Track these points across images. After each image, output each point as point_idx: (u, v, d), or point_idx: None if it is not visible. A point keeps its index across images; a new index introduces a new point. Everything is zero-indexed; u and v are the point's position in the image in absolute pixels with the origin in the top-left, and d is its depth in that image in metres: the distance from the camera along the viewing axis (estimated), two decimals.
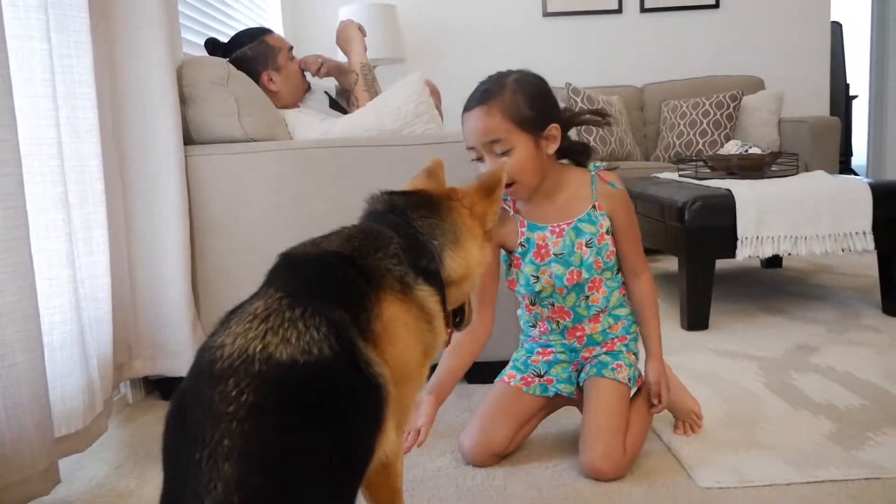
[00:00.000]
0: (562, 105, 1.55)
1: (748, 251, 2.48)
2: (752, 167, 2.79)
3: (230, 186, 2.03)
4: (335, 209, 2.03)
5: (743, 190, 2.51)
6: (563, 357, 1.65)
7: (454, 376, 1.59)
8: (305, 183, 2.03)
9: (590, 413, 1.55)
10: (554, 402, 1.68)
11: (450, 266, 1.11)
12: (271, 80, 2.31)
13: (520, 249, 1.58)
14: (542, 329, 1.67)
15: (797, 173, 2.87)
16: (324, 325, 0.88)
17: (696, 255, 2.52)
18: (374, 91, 2.40)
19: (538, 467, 1.57)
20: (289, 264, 1.00)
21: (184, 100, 2.01)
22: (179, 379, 2.01)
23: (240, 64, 2.19)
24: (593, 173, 1.56)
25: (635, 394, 1.61)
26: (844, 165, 6.52)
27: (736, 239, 2.48)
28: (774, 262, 3.61)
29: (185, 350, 1.95)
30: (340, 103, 2.56)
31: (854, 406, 1.80)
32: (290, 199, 2.03)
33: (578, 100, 4.34)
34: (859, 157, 6.68)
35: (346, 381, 0.88)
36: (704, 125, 4.40)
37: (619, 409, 1.54)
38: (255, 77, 2.24)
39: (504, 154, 1.44)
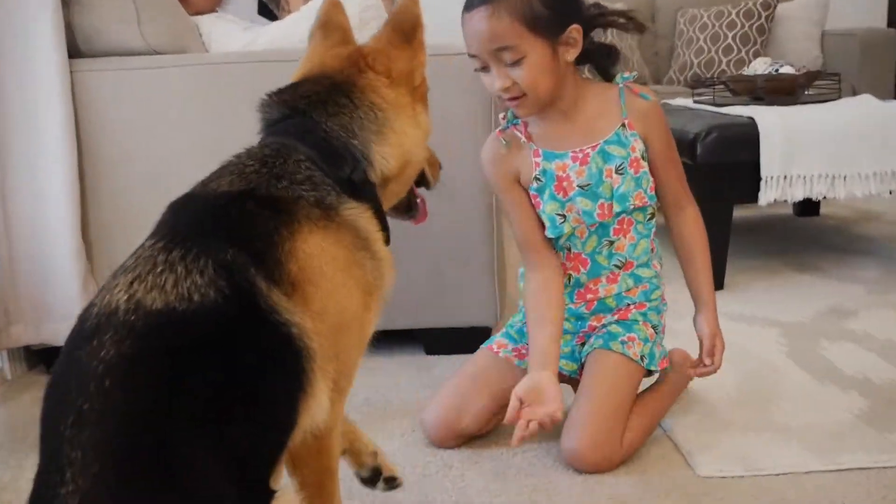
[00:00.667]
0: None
1: (774, 194, 2.47)
2: (783, 90, 2.77)
3: (129, 110, 1.98)
4: (257, 137, 1.98)
5: (769, 118, 2.50)
6: (566, 326, 1.64)
7: (555, 341, 1.53)
8: (223, 105, 1.98)
9: (584, 389, 1.55)
10: None
11: (381, 163, 1.09)
12: None
13: (535, 185, 1.55)
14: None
15: (839, 98, 2.86)
16: (210, 268, 0.88)
17: (710, 199, 2.48)
18: None
19: (506, 453, 1.57)
20: (171, 210, 0.98)
21: (67, 2, 1.93)
22: None
23: None
24: (621, 85, 1.53)
25: (656, 380, 1.62)
26: None
27: (759, 179, 2.47)
28: (810, 208, 3.61)
29: (75, 312, 1.91)
30: (271, 8, 2.49)
31: (892, 380, 1.82)
32: (205, 124, 1.98)
33: None
34: None
35: (241, 330, 0.88)
36: (729, 40, 4.36)
37: (621, 390, 1.54)
38: None
39: (515, 64, 1.41)
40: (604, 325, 1.62)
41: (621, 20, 1.54)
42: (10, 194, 1.88)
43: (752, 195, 2.50)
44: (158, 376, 0.83)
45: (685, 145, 2.54)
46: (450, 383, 1.66)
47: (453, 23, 3.00)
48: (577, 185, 1.52)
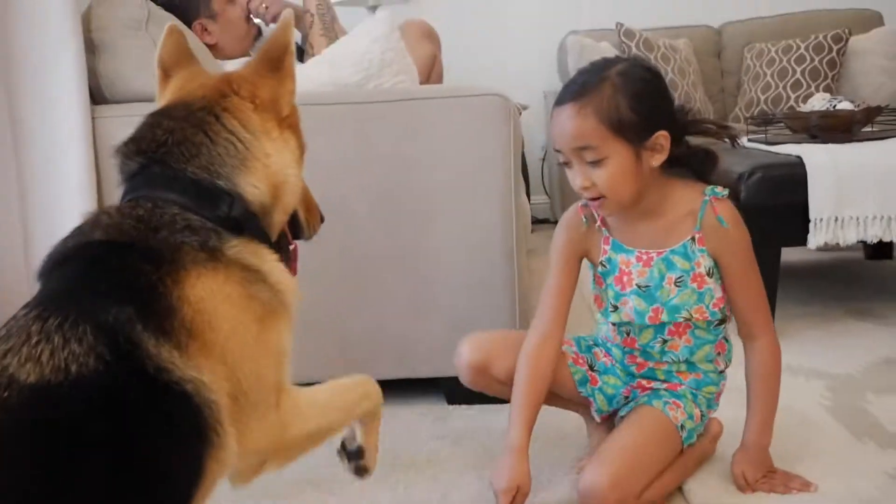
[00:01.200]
0: (678, 104, 1.53)
1: (824, 237, 2.39)
2: (838, 127, 2.67)
3: None
4: None
5: (818, 156, 2.41)
6: (619, 373, 1.67)
7: (529, 426, 1.55)
8: None
9: (618, 432, 1.54)
10: (575, 401, 1.71)
11: (253, 193, 1.08)
12: (206, 30, 2.32)
13: (601, 269, 1.60)
14: (610, 333, 1.66)
15: None
16: (89, 334, 0.86)
17: (757, 241, 2.39)
18: (333, 35, 2.39)
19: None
20: (44, 274, 0.97)
21: (92, 48, 2.02)
22: None
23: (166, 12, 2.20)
24: (707, 198, 1.52)
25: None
26: None
27: (808, 221, 2.39)
28: (882, 251, 3.47)
29: None
30: (304, 49, 2.55)
31: None
32: None
33: (632, 44, 4.25)
34: None
35: (127, 398, 0.87)
36: (798, 75, 4.26)
37: (654, 443, 1.51)
38: (188, 27, 2.25)
39: (596, 164, 1.43)
40: (653, 389, 1.62)
41: (714, 129, 1.56)
42: (31, 240, 1.95)
43: (801, 237, 2.42)
44: (32, 455, 0.81)
45: (730, 186, 2.47)
46: (499, 332, 1.73)
47: (469, 56, 3.00)
48: (636, 284, 1.54)
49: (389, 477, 1.69)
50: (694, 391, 1.60)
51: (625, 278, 1.55)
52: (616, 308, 1.57)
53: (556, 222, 4.84)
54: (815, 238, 2.39)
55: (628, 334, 1.62)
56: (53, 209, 1.95)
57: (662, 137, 1.44)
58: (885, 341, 2.38)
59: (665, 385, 1.61)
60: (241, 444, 1.00)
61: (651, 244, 1.54)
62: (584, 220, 1.60)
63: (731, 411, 1.64)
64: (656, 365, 1.61)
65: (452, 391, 2.12)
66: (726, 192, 1.54)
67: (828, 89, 4.18)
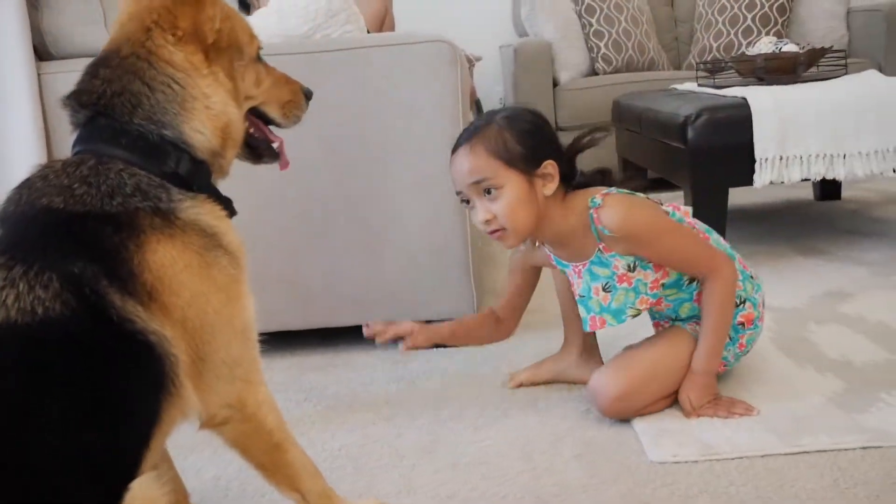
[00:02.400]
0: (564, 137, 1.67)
1: (769, 176, 2.45)
2: (783, 69, 2.73)
3: None
4: None
5: (762, 98, 2.47)
6: None
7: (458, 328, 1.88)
8: None
9: (640, 344, 1.70)
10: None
11: (199, 140, 1.08)
12: None
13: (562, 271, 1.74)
14: None
15: (843, 75, 2.81)
16: (56, 282, 0.89)
17: (704, 183, 2.49)
18: None
19: (460, 444, 1.59)
20: (6, 226, 0.99)
21: (35, 4, 2.00)
22: None
23: None
24: (591, 211, 1.58)
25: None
26: None
27: (754, 161, 2.44)
28: (831, 192, 3.56)
29: None
30: (247, 2, 2.54)
31: (875, 362, 1.79)
32: None
33: None
34: None
35: (90, 341, 0.90)
36: (749, 21, 4.32)
37: (675, 351, 1.64)
38: None
39: (493, 196, 1.55)
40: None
41: (587, 139, 1.66)
42: None
43: (747, 177, 2.48)
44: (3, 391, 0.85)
45: (675, 129, 2.53)
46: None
47: (423, 12, 3.00)
48: (579, 294, 1.67)
49: (347, 420, 1.74)
50: None
51: (574, 289, 1.69)
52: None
53: None
54: (761, 177, 2.45)
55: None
56: (2, 165, 1.95)
57: (550, 166, 1.57)
58: (830, 276, 2.46)
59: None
60: (203, 401, 1.04)
61: (577, 259, 1.65)
62: (522, 245, 1.74)
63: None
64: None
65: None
66: (610, 190, 1.62)
67: (778, 34, 4.23)
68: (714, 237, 1.71)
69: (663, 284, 1.62)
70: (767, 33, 4.23)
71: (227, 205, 1.14)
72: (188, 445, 1.65)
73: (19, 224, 0.97)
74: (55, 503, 0.85)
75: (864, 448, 1.44)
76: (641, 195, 1.65)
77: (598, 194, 1.60)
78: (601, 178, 1.68)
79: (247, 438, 1.14)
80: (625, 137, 3.47)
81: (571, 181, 1.63)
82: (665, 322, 1.75)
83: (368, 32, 2.32)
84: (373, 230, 2.08)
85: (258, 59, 1.26)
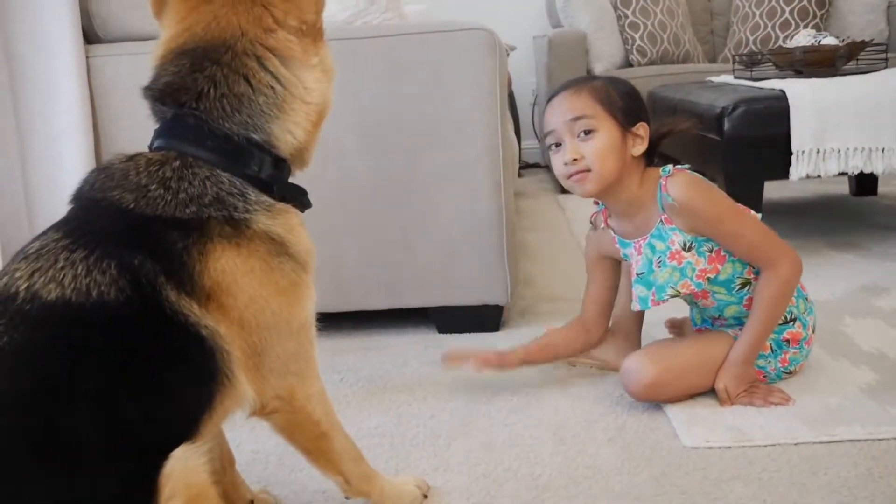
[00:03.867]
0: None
1: (806, 169, 2.44)
2: (822, 62, 2.72)
3: None
4: None
5: (800, 90, 2.46)
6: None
7: (545, 349, 1.82)
8: None
9: (682, 339, 1.77)
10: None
11: (287, 142, 1.09)
12: None
13: (625, 263, 1.77)
14: None
15: (883, 69, 2.79)
16: (113, 269, 0.92)
17: (739, 175, 2.49)
18: None
19: (495, 425, 1.61)
20: (80, 208, 1.01)
21: None
22: None
23: None
24: (661, 180, 1.63)
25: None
26: None
27: (790, 153, 2.44)
28: (867, 187, 3.53)
29: None
30: None
31: None
32: None
33: None
34: None
35: (140, 327, 0.93)
36: (787, 14, 4.29)
37: (712, 350, 1.66)
38: None
39: (587, 136, 1.59)
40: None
41: (681, 128, 1.72)
42: (30, 177, 2.00)
43: (783, 171, 2.48)
44: (46, 361, 0.88)
45: (711, 120, 2.53)
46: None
47: (457, 1, 2.99)
48: (636, 273, 1.68)
49: (382, 400, 1.77)
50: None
51: (632, 269, 1.69)
52: (634, 298, 1.70)
53: (546, 166, 4.90)
54: (797, 170, 2.44)
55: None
56: (51, 147, 2.00)
57: (643, 128, 1.63)
58: (865, 270, 2.45)
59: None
60: (256, 392, 1.07)
61: (638, 234, 1.67)
62: (591, 223, 1.81)
63: None
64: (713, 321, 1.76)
65: (443, 320, 2.19)
66: (684, 165, 1.66)
67: (817, 28, 4.20)
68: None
69: (710, 279, 1.62)
70: (806, 26, 4.21)
71: (302, 199, 1.17)
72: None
73: (88, 210, 1.00)
74: (93, 472, 0.88)
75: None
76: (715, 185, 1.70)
77: (671, 166, 1.64)
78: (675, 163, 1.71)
79: (293, 427, 1.17)
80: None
81: (652, 157, 1.68)
82: (707, 327, 1.77)
83: None
84: (408, 216, 2.11)
85: None
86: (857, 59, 2.85)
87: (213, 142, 1.03)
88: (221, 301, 0.99)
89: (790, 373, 1.70)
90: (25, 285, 0.91)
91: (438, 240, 2.12)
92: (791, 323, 1.67)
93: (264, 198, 1.06)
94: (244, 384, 1.04)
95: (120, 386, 0.91)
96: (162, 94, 1.06)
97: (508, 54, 3.67)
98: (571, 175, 1.62)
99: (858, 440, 1.45)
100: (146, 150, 1.09)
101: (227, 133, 1.04)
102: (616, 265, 1.81)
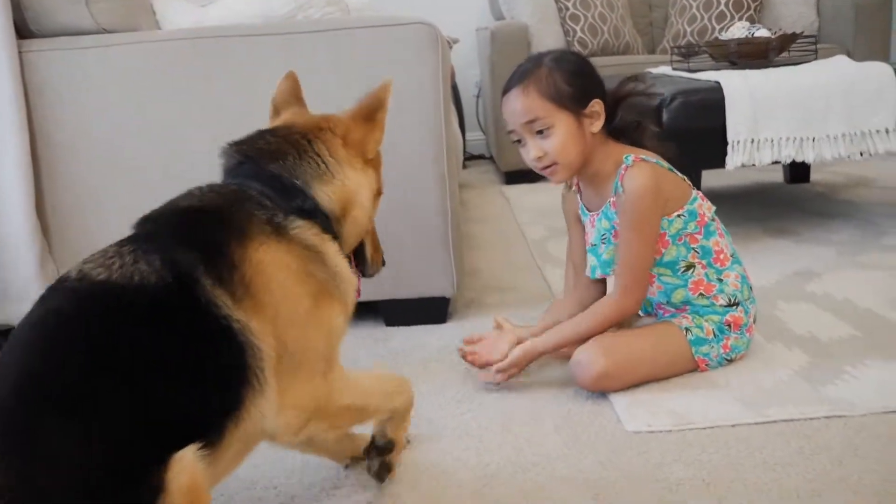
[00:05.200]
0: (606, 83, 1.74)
1: (741, 158, 2.51)
2: (755, 54, 2.80)
3: (80, 90, 2.05)
4: (212, 114, 2.05)
5: (735, 82, 2.53)
6: None
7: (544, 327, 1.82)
8: (174, 83, 2.05)
9: (626, 330, 1.78)
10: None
11: (324, 200, 1.24)
12: None
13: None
14: None
15: (813, 60, 2.88)
16: (157, 261, 1.03)
17: (677, 164, 2.53)
18: None
19: (445, 415, 1.64)
20: (139, 221, 1.14)
21: None
22: None
23: None
24: (622, 165, 1.69)
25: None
26: None
27: (726, 143, 2.51)
28: (800, 175, 3.64)
29: (32, 293, 1.99)
30: None
31: (840, 337, 1.87)
32: (157, 103, 2.05)
33: None
34: None
35: (175, 312, 1.02)
36: (722, 6, 4.38)
37: (657, 338, 1.72)
38: None
39: (545, 134, 1.66)
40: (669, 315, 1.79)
41: (629, 88, 1.74)
42: None
43: (720, 160, 2.54)
44: (87, 330, 0.98)
45: (650, 111, 2.58)
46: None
47: (412, 3, 2.92)
48: (590, 243, 1.79)
49: None
50: (699, 315, 1.73)
51: (587, 238, 1.79)
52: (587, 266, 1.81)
53: (490, 158, 4.94)
54: (733, 159, 2.51)
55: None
56: None
57: (597, 104, 1.68)
58: (798, 255, 2.53)
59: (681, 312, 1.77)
60: (285, 398, 1.11)
61: (596, 206, 1.76)
62: (566, 183, 1.85)
63: None
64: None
65: (390, 313, 2.21)
66: (652, 158, 1.71)
67: (751, 20, 4.31)
68: (728, 240, 1.79)
69: (654, 260, 1.69)
70: (740, 18, 4.30)
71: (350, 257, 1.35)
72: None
73: (146, 220, 1.14)
74: (117, 446, 0.92)
75: (827, 417, 1.51)
76: (674, 171, 1.75)
77: (633, 155, 1.68)
78: (636, 126, 1.76)
79: (332, 420, 1.22)
80: None
81: (612, 122, 1.72)
82: (654, 314, 1.82)
83: None
84: None
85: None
86: (789, 51, 2.94)
87: (266, 178, 1.21)
88: (256, 297, 1.07)
89: (730, 360, 1.75)
90: (78, 269, 1.04)
91: (384, 233, 2.11)
92: (734, 307, 1.73)
93: (306, 220, 1.20)
94: (272, 389, 1.09)
95: (146, 362, 0.98)
96: (230, 148, 1.28)
97: (451, 47, 3.69)
98: (540, 169, 1.70)
99: (792, 420, 1.51)
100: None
101: (277, 173, 1.22)
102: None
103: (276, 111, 1.43)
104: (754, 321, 1.79)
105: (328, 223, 1.24)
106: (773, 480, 1.32)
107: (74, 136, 2.07)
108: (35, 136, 2.04)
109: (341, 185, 1.27)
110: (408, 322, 2.18)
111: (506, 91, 1.72)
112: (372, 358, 1.99)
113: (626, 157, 1.68)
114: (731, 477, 1.34)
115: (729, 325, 1.73)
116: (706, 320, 1.73)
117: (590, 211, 1.78)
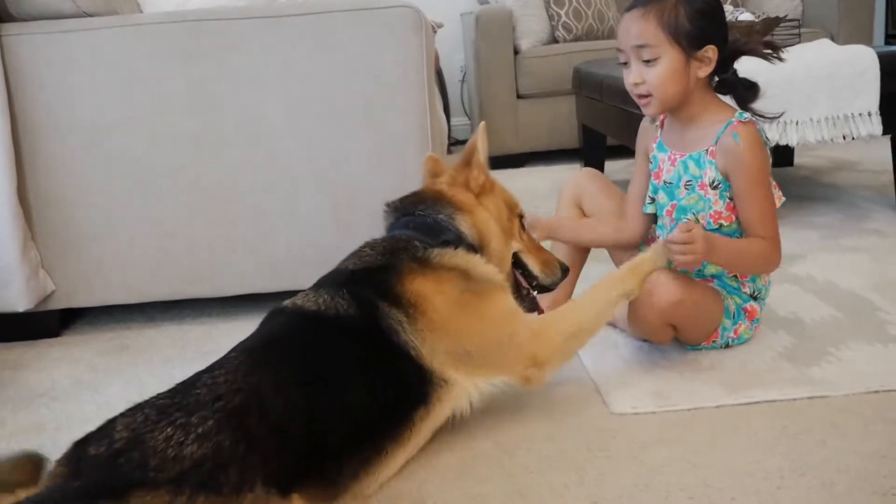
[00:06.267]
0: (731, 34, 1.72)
1: None
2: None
3: (62, 74, 2.03)
4: (195, 98, 2.04)
5: None
6: None
7: (573, 222, 1.96)
8: (157, 67, 2.03)
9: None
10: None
11: (465, 229, 1.55)
12: None
13: (651, 164, 1.83)
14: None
15: (797, 44, 2.88)
16: (348, 296, 1.36)
17: None
18: None
19: None
20: (320, 280, 1.48)
21: None
22: (10, 316, 2.06)
23: None
24: (733, 119, 1.68)
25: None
26: None
27: None
28: (784, 158, 3.65)
29: (15, 280, 1.99)
30: None
31: (823, 319, 1.88)
32: (140, 87, 2.03)
33: None
34: None
35: (365, 336, 1.33)
36: None
37: (715, 297, 1.71)
38: None
39: (650, 63, 1.64)
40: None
41: (762, 48, 1.74)
42: None
43: None
44: (299, 342, 1.33)
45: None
46: None
47: None
48: (664, 180, 1.76)
49: None
50: (726, 292, 1.74)
51: (659, 174, 1.77)
52: (652, 200, 1.80)
53: None
54: None
55: (650, 237, 1.87)
56: None
57: (711, 51, 1.64)
58: (782, 239, 2.53)
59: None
60: (513, 372, 1.43)
61: (681, 147, 1.74)
62: (650, 119, 1.83)
63: None
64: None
65: None
66: (754, 117, 1.71)
67: (734, 4, 4.31)
68: None
69: (720, 224, 1.69)
70: (725, 2, 4.30)
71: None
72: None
73: (329, 275, 1.50)
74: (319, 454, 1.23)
75: (810, 398, 1.52)
76: None
77: (748, 115, 1.70)
78: (749, 86, 1.74)
79: (574, 349, 1.54)
80: (585, 105, 3.53)
81: (724, 73, 1.71)
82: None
83: None
84: (339, 195, 2.11)
85: (521, 224, 1.72)
86: (773, 35, 2.93)
87: (414, 223, 1.55)
88: (425, 317, 1.36)
89: (728, 346, 1.76)
90: (291, 303, 1.41)
91: (369, 218, 2.12)
92: (754, 299, 1.75)
93: (447, 249, 1.48)
94: (457, 384, 1.39)
95: (345, 370, 1.29)
96: (389, 208, 1.65)
97: (436, 31, 3.68)
98: (636, 95, 1.69)
99: (775, 401, 1.52)
100: None
101: (421, 215, 1.57)
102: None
103: (432, 177, 1.72)
104: (759, 321, 1.80)
105: (473, 248, 1.53)
106: (757, 461, 1.33)
107: (56, 120, 2.05)
108: (16, 121, 2.02)
109: (471, 217, 1.57)
110: None
111: (629, 9, 1.67)
112: None
113: (740, 114, 1.69)
114: (715, 457, 1.35)
115: (746, 313, 1.75)
116: (731, 299, 1.73)
117: (669, 149, 1.76)
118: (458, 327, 1.38)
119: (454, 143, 5.04)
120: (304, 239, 2.13)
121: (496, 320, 1.44)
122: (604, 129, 3.33)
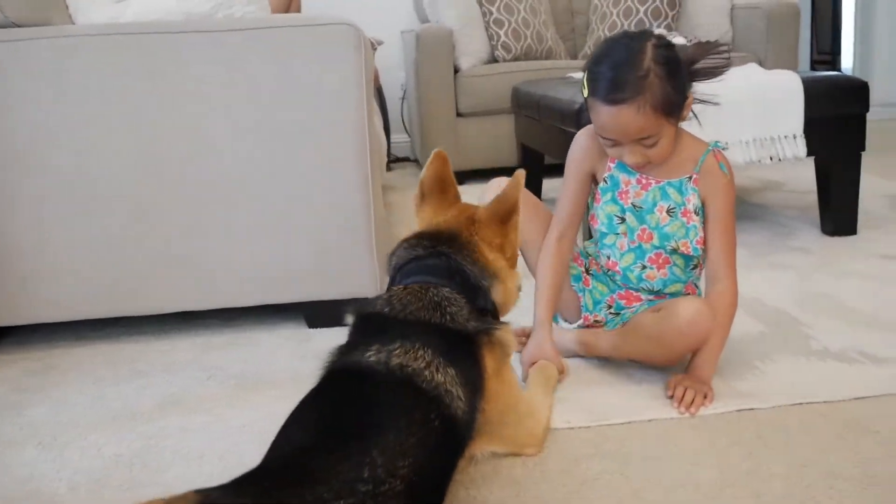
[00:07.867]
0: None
1: None
2: None
3: None
4: (130, 112, 2.01)
5: None
6: (608, 281, 1.88)
7: (551, 308, 1.83)
8: (89, 81, 1.99)
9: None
10: (566, 299, 1.90)
11: (498, 301, 1.47)
12: None
13: (602, 185, 1.79)
14: (599, 261, 1.89)
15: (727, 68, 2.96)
16: (429, 354, 1.26)
17: None
18: None
19: None
20: (392, 322, 1.34)
21: None
22: None
23: None
24: (711, 148, 1.72)
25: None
26: (831, 66, 6.74)
27: None
28: None
29: None
30: None
31: (749, 334, 1.93)
32: (71, 101, 1.99)
33: None
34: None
35: (436, 400, 1.23)
36: (641, 14, 4.47)
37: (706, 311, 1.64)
38: None
39: (651, 145, 1.63)
40: (641, 301, 1.81)
41: (711, 62, 1.73)
42: None
43: None
44: (376, 393, 1.21)
45: (571, 115, 2.63)
46: None
47: (337, 4, 2.89)
48: (631, 203, 1.75)
49: (252, 397, 1.76)
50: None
51: (624, 195, 1.76)
52: (623, 219, 1.77)
53: (416, 160, 4.95)
54: None
55: (609, 258, 1.82)
56: None
57: (691, 100, 1.67)
58: None
59: (650, 297, 1.80)
60: (515, 442, 1.45)
61: (656, 173, 1.73)
62: (601, 138, 1.72)
63: None
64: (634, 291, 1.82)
65: (313, 314, 2.19)
66: (724, 144, 1.76)
67: (668, 27, 4.41)
68: None
69: (702, 248, 1.72)
70: (658, 26, 4.40)
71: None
72: (89, 425, 1.65)
73: (406, 325, 1.32)
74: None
75: (739, 411, 1.56)
76: None
77: (718, 142, 1.76)
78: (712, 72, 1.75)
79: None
80: (523, 123, 3.57)
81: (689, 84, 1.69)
82: (637, 295, 1.81)
83: (273, 13, 2.31)
84: (277, 211, 2.09)
85: None
86: (708, 58, 3.01)
87: (460, 279, 1.42)
88: (488, 392, 1.35)
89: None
90: (374, 358, 1.25)
91: (307, 234, 2.12)
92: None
93: (502, 323, 1.45)
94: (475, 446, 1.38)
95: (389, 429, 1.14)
96: (416, 240, 1.48)
97: (376, 49, 3.69)
98: (635, 167, 1.71)
99: (705, 415, 1.55)
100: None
101: (466, 275, 1.43)
102: (588, 185, 1.84)
103: (423, 195, 1.59)
104: None
105: (497, 311, 1.48)
106: (687, 473, 1.35)
107: (27, 126, 1.99)
108: None
109: (504, 288, 1.48)
110: (330, 324, 2.16)
111: (613, 101, 1.57)
112: (293, 359, 1.97)
113: (715, 143, 1.74)
114: (647, 470, 1.37)
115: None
116: None
117: (639, 172, 1.73)
118: (495, 408, 1.38)
119: (394, 161, 5.04)
120: (241, 256, 2.11)
121: (515, 391, 1.47)
122: (541, 148, 3.38)
